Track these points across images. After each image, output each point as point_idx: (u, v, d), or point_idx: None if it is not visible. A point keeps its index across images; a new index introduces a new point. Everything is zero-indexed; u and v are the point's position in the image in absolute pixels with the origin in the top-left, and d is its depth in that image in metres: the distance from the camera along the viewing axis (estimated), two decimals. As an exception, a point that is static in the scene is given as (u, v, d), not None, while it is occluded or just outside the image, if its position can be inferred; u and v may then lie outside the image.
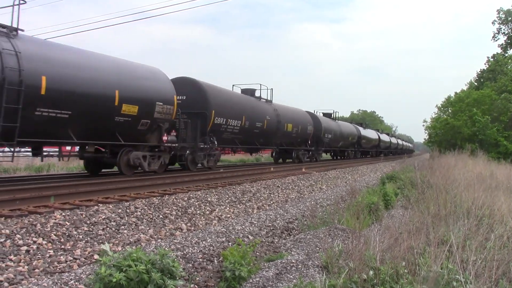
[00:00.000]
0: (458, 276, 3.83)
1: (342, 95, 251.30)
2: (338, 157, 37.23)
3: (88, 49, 11.53)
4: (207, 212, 8.75)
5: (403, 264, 3.87)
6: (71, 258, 5.23)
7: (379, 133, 50.69)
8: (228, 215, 8.90)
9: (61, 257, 5.22)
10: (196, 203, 9.08)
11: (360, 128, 40.46)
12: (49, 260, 5.05)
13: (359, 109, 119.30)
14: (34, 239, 5.59)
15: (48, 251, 5.34)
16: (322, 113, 32.30)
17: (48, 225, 6.10)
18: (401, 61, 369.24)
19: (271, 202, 11.04)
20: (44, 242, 5.57)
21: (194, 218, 8.14)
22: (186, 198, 9.20)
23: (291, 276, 4.78)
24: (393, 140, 63.54)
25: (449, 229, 5.19)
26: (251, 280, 4.69)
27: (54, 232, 5.92)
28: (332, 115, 33.34)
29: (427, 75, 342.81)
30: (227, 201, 10.01)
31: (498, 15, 38.91)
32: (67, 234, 5.98)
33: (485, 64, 38.98)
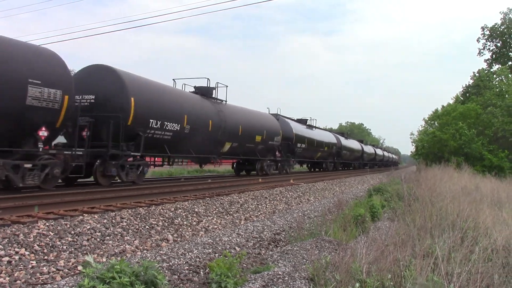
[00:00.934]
0: (443, 289, 3.85)
1: (331, 107, 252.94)
2: (316, 169, 33.53)
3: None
4: (194, 223, 8.69)
5: (389, 277, 3.88)
6: (54, 269, 5.14)
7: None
8: (215, 226, 8.85)
9: (44, 268, 5.13)
10: (183, 214, 9.01)
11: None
12: (31, 272, 4.96)
13: (347, 121, 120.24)
14: (17, 249, 5.49)
15: (31, 262, 5.24)
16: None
17: (31, 235, 5.99)
18: (390, 74, 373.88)
19: (259, 213, 11.02)
20: (27, 252, 5.47)
21: (180, 229, 8.08)
22: (173, 209, 9.13)
23: (278, 288, 4.75)
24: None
25: (435, 242, 5.23)
26: (237, 292, 4.65)
27: (37, 243, 5.82)
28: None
29: (415, 89, 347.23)
30: (214, 212, 9.96)
31: (482, 32, 39.84)
32: (50, 244, 5.88)
33: (470, 78, 39.70)
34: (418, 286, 3.75)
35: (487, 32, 39.39)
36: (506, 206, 9.80)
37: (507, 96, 29.63)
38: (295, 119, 27.70)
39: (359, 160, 44.16)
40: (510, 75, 31.91)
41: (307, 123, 28.96)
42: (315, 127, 30.63)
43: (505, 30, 38.25)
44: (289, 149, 24.10)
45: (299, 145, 25.17)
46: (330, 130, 41.57)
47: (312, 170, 33.77)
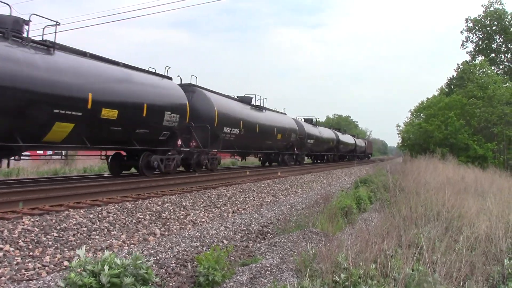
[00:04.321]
0: (428, 278, 3.91)
1: (319, 99, 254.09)
2: (318, 161, 38.73)
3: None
4: (182, 217, 8.67)
5: (374, 267, 3.93)
6: (40, 265, 5.09)
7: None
8: (203, 220, 8.84)
9: (29, 264, 5.08)
10: (171, 208, 8.98)
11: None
12: (16, 268, 4.90)
13: (334, 114, 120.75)
14: (1, 246, 5.42)
15: (16, 258, 5.19)
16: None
17: (16, 231, 5.92)
18: (377, 67, 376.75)
19: (246, 206, 11.03)
20: (12, 249, 5.41)
21: (168, 223, 8.05)
22: (160, 203, 9.10)
23: (265, 280, 4.78)
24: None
25: (420, 232, 5.30)
26: (225, 285, 4.67)
27: (22, 239, 5.75)
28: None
29: (402, 81, 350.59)
30: (202, 205, 9.95)
31: (466, 24, 40.19)
32: (35, 240, 5.82)
33: (455, 70, 40.10)
34: (403, 275, 3.80)
35: (470, 24, 39.78)
36: (490, 195, 9.95)
37: (489, 87, 30.02)
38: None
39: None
40: (492, 67, 32.35)
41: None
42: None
43: (487, 22, 38.68)
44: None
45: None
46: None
47: (316, 162, 38.97)
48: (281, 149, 25.91)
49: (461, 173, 15.09)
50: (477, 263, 4.46)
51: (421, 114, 39.75)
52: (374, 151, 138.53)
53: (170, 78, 15.44)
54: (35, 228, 6.18)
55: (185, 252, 5.79)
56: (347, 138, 45.70)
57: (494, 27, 38.63)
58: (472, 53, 40.95)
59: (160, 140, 14.15)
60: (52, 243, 5.87)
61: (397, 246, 4.96)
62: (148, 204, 8.77)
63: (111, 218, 7.43)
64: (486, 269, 4.56)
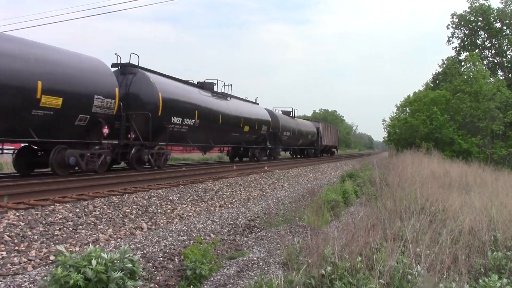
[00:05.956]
0: (412, 270, 3.98)
1: (305, 95, 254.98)
2: (298, 156, 36.81)
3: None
4: (169, 211, 8.66)
5: (359, 259, 3.99)
6: (25, 260, 5.06)
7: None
8: (190, 214, 8.84)
9: (15, 258, 5.04)
10: (157, 202, 8.96)
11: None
12: (1, 262, 4.86)
13: (321, 108, 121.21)
14: (-14, 240, 5.37)
15: (1, 252, 5.14)
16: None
17: (1, 226, 5.86)
18: (362, 64, 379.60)
19: (233, 200, 11.06)
20: (-4, 243, 5.36)
21: (155, 217, 8.04)
22: (147, 197, 9.07)
23: (252, 274, 4.82)
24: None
25: (404, 225, 5.38)
26: (212, 278, 4.70)
27: (7, 233, 5.70)
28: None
29: (388, 77, 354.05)
30: (189, 199, 9.94)
31: (452, 20, 40.48)
32: (21, 234, 5.77)
33: (440, 66, 40.45)
34: (388, 267, 3.86)
35: (456, 20, 40.07)
36: (474, 189, 10.12)
37: (478, 82, 30.29)
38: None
39: (259, 144, 48.18)
40: (477, 63, 32.64)
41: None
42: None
43: (472, 18, 39.02)
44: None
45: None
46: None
47: (321, 154, 41.57)
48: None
49: (446, 167, 15.31)
50: (460, 256, 4.56)
51: (407, 109, 40.03)
52: (360, 146, 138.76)
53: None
54: (21, 223, 6.13)
55: (172, 246, 5.80)
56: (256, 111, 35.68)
57: (479, 23, 38.99)
58: (457, 48, 41.34)
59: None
60: (37, 237, 5.83)
61: (382, 239, 5.03)
62: (135, 198, 8.74)
63: (98, 213, 7.39)
64: (469, 262, 4.65)
